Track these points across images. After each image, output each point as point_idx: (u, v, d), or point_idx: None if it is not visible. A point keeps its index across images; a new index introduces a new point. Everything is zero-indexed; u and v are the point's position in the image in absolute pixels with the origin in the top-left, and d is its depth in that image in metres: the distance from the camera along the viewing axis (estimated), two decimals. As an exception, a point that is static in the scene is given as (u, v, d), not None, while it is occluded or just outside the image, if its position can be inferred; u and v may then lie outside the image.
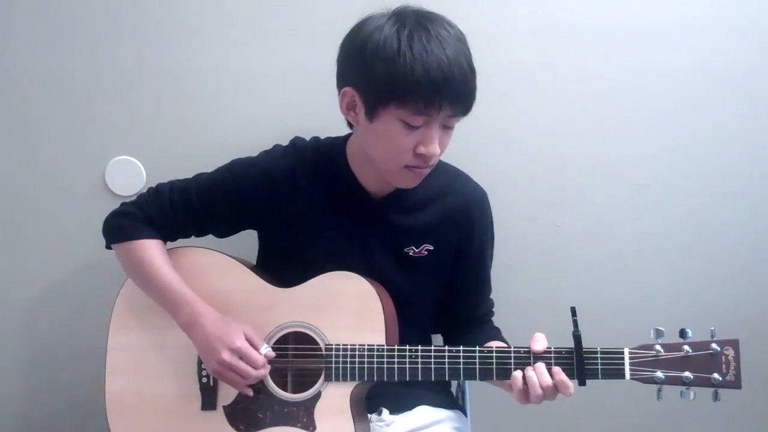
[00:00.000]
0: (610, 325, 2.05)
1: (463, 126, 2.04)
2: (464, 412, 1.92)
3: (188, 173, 1.83)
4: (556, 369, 1.53)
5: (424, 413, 1.81)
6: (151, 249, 1.75)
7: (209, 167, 1.81)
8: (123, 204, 1.82)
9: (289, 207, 1.74)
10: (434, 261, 1.77)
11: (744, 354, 1.49)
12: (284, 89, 2.10)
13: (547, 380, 1.52)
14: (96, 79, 2.11)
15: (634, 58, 2.10)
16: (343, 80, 1.62)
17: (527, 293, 2.16)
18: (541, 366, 1.54)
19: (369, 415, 1.76)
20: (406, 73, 1.48)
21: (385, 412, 1.78)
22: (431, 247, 1.76)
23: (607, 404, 2.20)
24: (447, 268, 1.81)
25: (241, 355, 1.63)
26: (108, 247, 1.82)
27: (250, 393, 1.68)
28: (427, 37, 1.49)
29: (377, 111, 1.54)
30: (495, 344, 1.69)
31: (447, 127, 1.59)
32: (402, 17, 1.54)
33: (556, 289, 2.18)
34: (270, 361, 1.67)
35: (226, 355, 1.62)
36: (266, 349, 1.66)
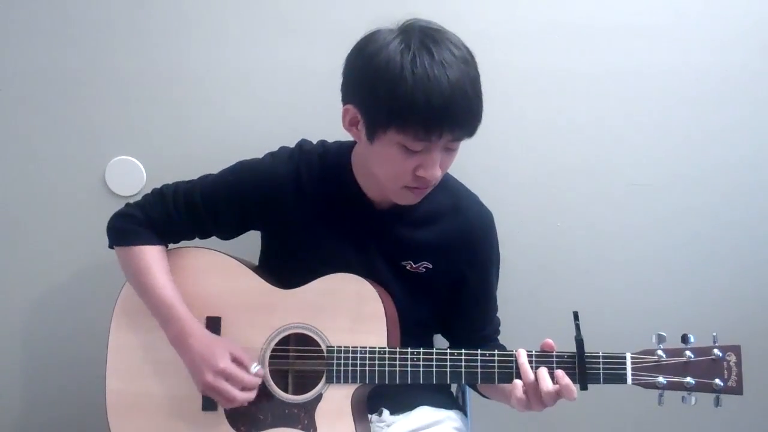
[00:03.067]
0: (609, 326, 2.05)
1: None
2: (464, 413, 1.92)
3: (188, 173, 1.83)
4: (560, 373, 1.52)
5: (424, 413, 1.81)
6: (150, 256, 1.74)
7: (209, 168, 1.81)
8: (127, 205, 1.81)
9: (293, 211, 1.73)
10: (432, 280, 1.75)
11: (746, 360, 1.49)
12: (284, 90, 2.10)
13: (549, 386, 1.51)
14: (96, 79, 2.11)
15: (634, 58, 2.10)
16: (346, 96, 1.59)
17: (527, 293, 2.16)
18: (543, 371, 1.53)
19: (369, 416, 1.76)
20: (407, 99, 1.44)
21: (386, 412, 1.78)
22: (429, 266, 1.74)
23: (607, 405, 2.20)
24: (445, 290, 1.79)
25: (227, 377, 1.62)
26: (111, 246, 1.81)
27: (245, 403, 1.66)
28: (430, 62, 1.45)
29: (377, 133, 1.53)
30: None
31: (450, 150, 1.57)
32: (408, 36, 1.49)
33: (556, 289, 2.18)
34: (271, 363, 1.67)
35: (210, 377, 1.62)
36: (256, 368, 1.66)
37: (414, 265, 1.74)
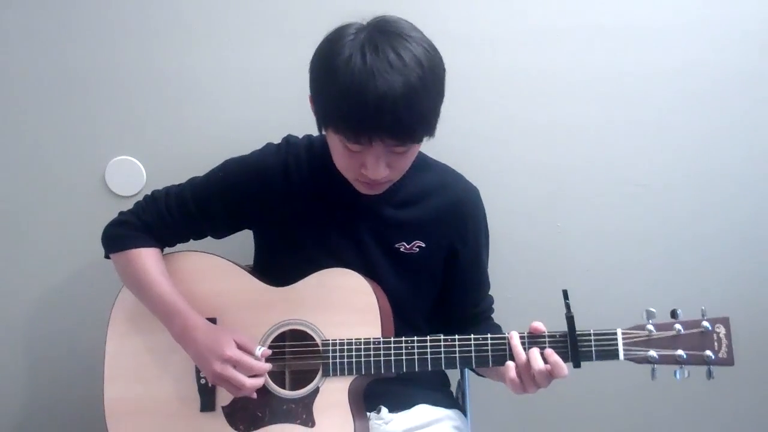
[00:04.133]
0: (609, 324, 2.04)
1: (464, 126, 2.06)
2: (464, 412, 1.92)
3: (188, 173, 1.83)
4: (549, 351, 1.53)
5: (423, 412, 1.80)
6: (147, 258, 1.75)
7: (209, 167, 1.82)
8: (121, 213, 1.83)
9: (284, 203, 1.74)
10: (425, 259, 1.76)
11: (735, 331, 1.49)
12: (284, 89, 2.10)
13: (540, 365, 1.51)
14: (96, 79, 2.12)
15: (634, 58, 2.10)
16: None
17: (527, 293, 2.16)
18: (534, 351, 1.53)
19: (368, 414, 1.75)
20: (334, 105, 1.47)
21: (384, 410, 1.77)
22: (422, 245, 1.75)
23: (606, 406, 2.19)
24: (438, 268, 1.80)
25: (235, 364, 1.62)
26: (107, 256, 1.82)
27: (254, 395, 1.67)
28: (361, 68, 1.43)
29: (321, 129, 1.57)
30: None
31: (397, 152, 1.55)
32: (356, 38, 1.48)
33: (556, 289, 2.15)
34: (268, 360, 1.67)
35: (218, 366, 1.62)
36: (261, 350, 1.66)
37: (407, 246, 1.74)
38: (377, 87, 1.42)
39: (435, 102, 1.52)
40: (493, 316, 1.88)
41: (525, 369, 1.53)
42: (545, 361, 1.52)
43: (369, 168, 1.54)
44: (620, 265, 2.19)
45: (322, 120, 1.54)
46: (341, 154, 1.57)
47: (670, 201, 2.16)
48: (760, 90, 2.12)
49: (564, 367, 1.51)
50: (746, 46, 2.10)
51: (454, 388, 2.00)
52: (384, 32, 1.49)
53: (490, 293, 1.89)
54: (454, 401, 1.92)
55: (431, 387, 1.83)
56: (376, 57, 1.44)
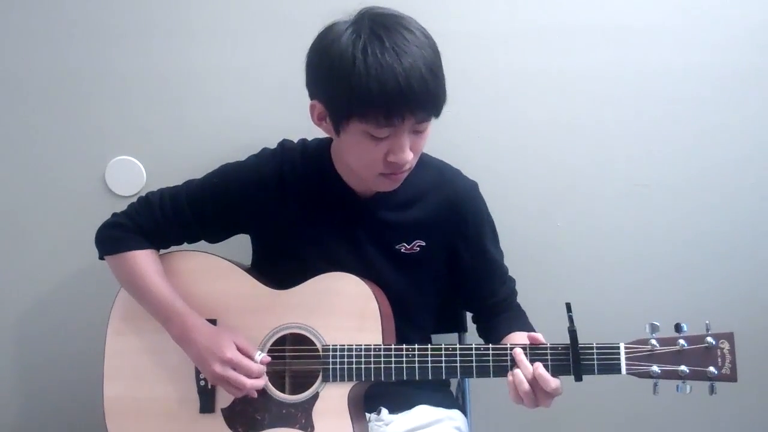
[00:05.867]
0: (608, 324, 2.04)
1: (464, 126, 2.06)
2: (464, 412, 1.92)
3: (188, 173, 1.84)
4: (537, 364, 1.53)
5: (423, 412, 1.81)
6: (143, 260, 1.75)
7: (209, 167, 1.82)
8: (114, 214, 1.82)
9: (280, 209, 1.74)
10: (427, 257, 1.77)
11: (739, 347, 1.48)
12: (284, 90, 2.09)
13: (530, 370, 1.52)
14: (96, 79, 2.11)
15: (634, 58, 2.10)
16: (310, 92, 1.61)
17: (527, 292, 2.14)
18: (539, 367, 1.52)
19: (368, 415, 1.76)
20: (362, 91, 1.46)
21: (385, 411, 1.78)
22: (423, 243, 1.75)
23: (606, 405, 2.20)
24: (441, 264, 1.80)
25: (234, 366, 1.63)
26: (101, 257, 1.82)
27: (254, 395, 1.67)
28: (381, 49, 1.46)
29: (342, 125, 1.55)
30: (516, 336, 1.69)
31: (418, 132, 1.57)
32: (359, 26, 1.50)
33: (555, 289, 2.17)
34: (268, 363, 1.68)
35: (218, 368, 1.63)
36: (261, 356, 1.67)
37: (408, 246, 1.75)
38: (402, 62, 1.46)
39: (443, 68, 1.55)
40: (517, 299, 1.89)
41: (518, 379, 1.53)
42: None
43: (397, 152, 1.54)
44: (620, 265, 2.18)
45: (345, 114, 1.52)
46: (365, 147, 1.55)
47: (671, 200, 2.16)
48: (760, 90, 2.11)
49: (550, 381, 1.50)
50: (746, 46, 2.09)
51: (454, 387, 2.01)
52: (379, 16, 1.53)
53: (510, 276, 1.89)
54: (454, 401, 1.93)
55: (431, 387, 1.83)
56: (390, 36, 1.48)
